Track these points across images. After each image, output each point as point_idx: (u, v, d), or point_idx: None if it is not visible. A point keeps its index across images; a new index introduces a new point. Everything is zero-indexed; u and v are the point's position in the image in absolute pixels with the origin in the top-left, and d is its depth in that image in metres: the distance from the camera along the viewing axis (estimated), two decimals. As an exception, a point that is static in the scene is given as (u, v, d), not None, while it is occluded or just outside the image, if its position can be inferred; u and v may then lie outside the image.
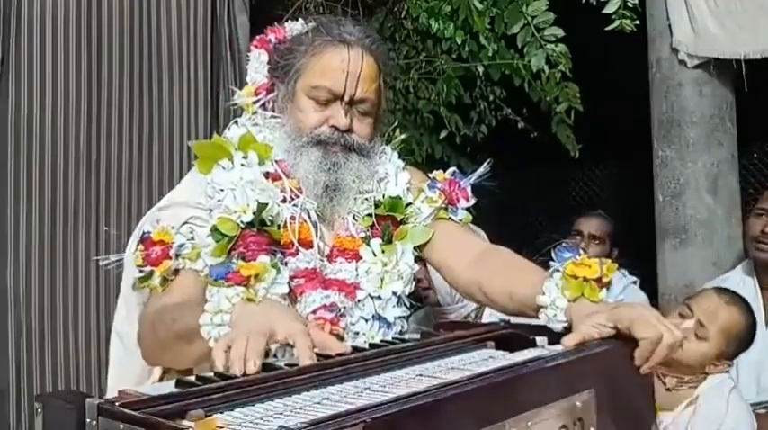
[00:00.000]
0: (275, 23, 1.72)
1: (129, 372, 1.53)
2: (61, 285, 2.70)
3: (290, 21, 1.70)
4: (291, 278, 1.51)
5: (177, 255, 1.44)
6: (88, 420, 0.95)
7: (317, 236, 1.56)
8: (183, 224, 1.50)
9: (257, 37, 1.71)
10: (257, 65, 1.67)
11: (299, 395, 1.07)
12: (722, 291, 2.36)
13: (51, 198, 2.69)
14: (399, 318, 1.59)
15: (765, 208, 2.82)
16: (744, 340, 2.27)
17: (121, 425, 0.92)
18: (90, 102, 2.78)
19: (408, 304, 1.63)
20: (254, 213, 1.46)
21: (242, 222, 1.47)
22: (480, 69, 3.73)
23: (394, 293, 1.58)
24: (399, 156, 1.73)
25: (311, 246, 1.54)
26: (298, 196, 1.56)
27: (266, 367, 1.14)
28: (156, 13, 3.00)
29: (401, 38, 4.09)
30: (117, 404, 0.95)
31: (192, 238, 1.48)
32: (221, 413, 0.98)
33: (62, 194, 2.72)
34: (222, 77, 3.21)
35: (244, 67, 3.19)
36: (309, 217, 1.56)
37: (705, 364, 2.22)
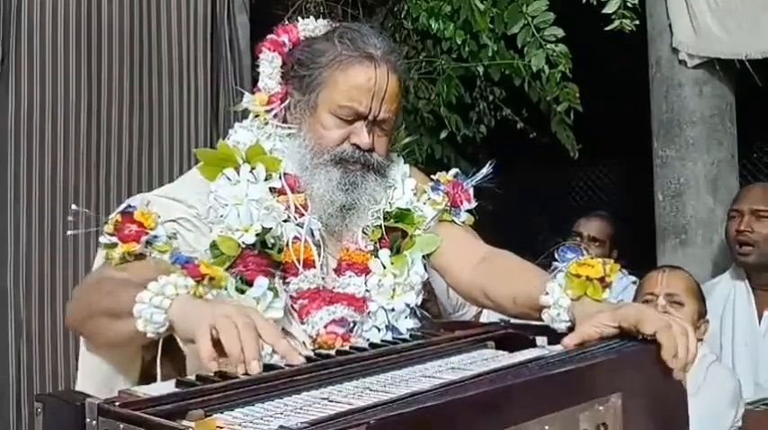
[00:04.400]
0: (280, 22, 1.68)
1: (96, 373, 1.47)
2: (61, 285, 2.70)
3: (300, 19, 1.65)
4: (295, 299, 1.51)
5: (148, 243, 1.40)
6: (88, 420, 0.95)
7: (319, 255, 1.53)
8: (171, 221, 1.48)
9: (268, 37, 1.65)
10: (270, 70, 1.61)
11: (299, 395, 1.07)
12: (659, 267, 2.59)
13: (51, 197, 2.69)
14: (411, 329, 1.57)
15: (737, 208, 2.84)
16: (702, 293, 2.49)
17: (121, 426, 0.92)
18: (90, 101, 2.78)
19: (420, 315, 1.61)
20: (257, 234, 1.45)
21: (243, 243, 1.45)
22: (480, 69, 3.72)
23: (407, 305, 1.57)
24: (404, 160, 1.72)
25: (313, 266, 1.52)
26: (302, 214, 1.53)
27: (266, 367, 1.14)
28: (156, 13, 2.99)
29: (401, 38, 4.09)
30: (117, 404, 0.95)
31: (175, 237, 1.45)
32: (221, 413, 0.98)
33: (62, 194, 2.71)
34: (222, 77, 3.21)
35: (244, 67, 3.21)
36: (313, 235, 1.54)
37: (694, 330, 2.33)
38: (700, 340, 2.43)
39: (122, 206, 1.44)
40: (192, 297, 1.24)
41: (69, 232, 1.61)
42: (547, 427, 1.04)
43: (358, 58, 1.52)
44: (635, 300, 2.52)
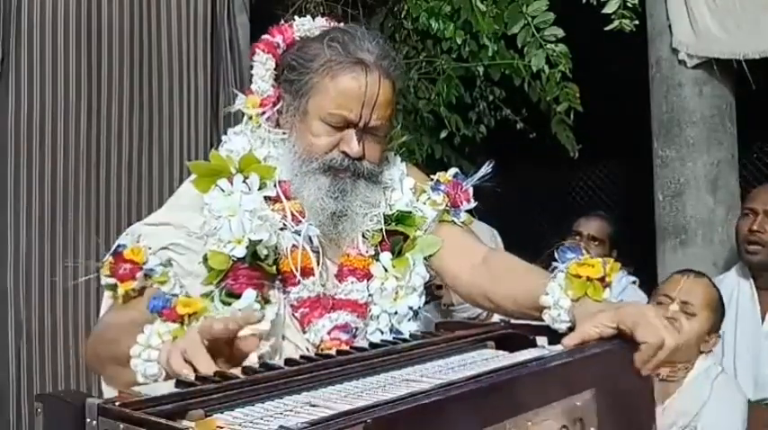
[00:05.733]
0: (280, 22, 1.66)
1: None
2: (61, 285, 2.70)
3: (296, 17, 1.63)
4: (296, 308, 1.50)
5: (146, 276, 1.42)
6: (88, 420, 0.95)
7: (318, 263, 1.52)
8: (163, 249, 1.47)
9: (263, 38, 1.62)
10: (263, 72, 1.58)
11: (300, 395, 1.07)
12: (684, 271, 2.50)
13: (51, 198, 2.69)
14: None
15: (752, 207, 2.84)
16: (721, 307, 2.42)
17: (121, 426, 0.92)
18: (90, 101, 2.79)
19: (422, 317, 1.60)
20: (246, 248, 1.43)
21: (234, 256, 1.43)
22: (480, 69, 3.73)
23: (410, 308, 1.57)
24: (401, 159, 1.70)
25: (312, 274, 1.51)
26: (300, 221, 1.52)
27: (266, 367, 1.14)
28: (156, 13, 3.00)
29: (401, 38, 4.09)
30: (117, 404, 0.95)
31: (170, 264, 1.45)
32: (221, 413, 0.98)
33: (62, 194, 2.72)
34: (222, 78, 3.21)
35: (244, 67, 3.20)
36: (311, 242, 1.52)
37: (700, 343, 2.32)
38: (709, 352, 2.37)
39: (114, 246, 1.45)
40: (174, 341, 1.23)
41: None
42: (529, 424, 1.05)
43: (348, 64, 1.49)
44: (651, 296, 2.48)
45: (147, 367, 1.22)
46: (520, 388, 1.10)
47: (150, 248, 1.44)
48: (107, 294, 1.48)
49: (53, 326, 2.68)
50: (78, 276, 2.69)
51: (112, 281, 1.42)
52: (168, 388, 1.05)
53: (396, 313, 1.55)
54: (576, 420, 1.14)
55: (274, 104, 1.57)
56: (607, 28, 3.26)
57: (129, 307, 1.41)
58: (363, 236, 1.58)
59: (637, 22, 3.26)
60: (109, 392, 1.45)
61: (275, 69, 1.59)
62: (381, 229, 1.58)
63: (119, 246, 1.44)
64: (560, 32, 3.34)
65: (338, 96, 1.49)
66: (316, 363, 1.16)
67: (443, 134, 4.03)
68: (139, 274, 1.41)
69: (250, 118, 1.58)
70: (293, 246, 1.50)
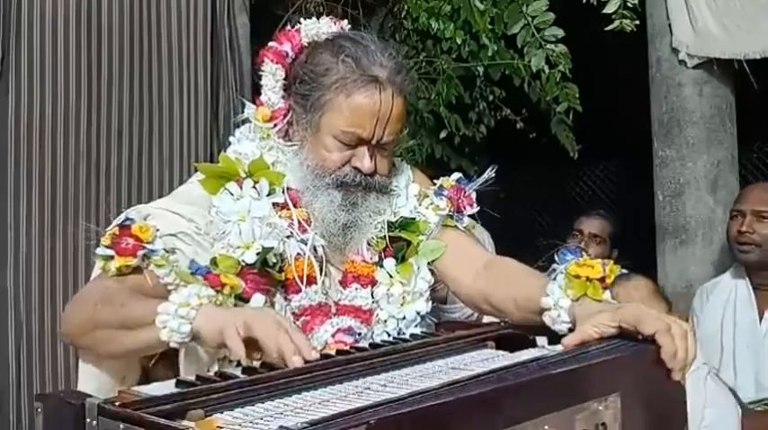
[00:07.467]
0: (281, 23, 1.63)
1: (94, 383, 1.45)
2: (61, 285, 2.70)
3: (303, 21, 1.60)
4: (297, 316, 1.50)
5: (146, 256, 1.40)
6: (88, 420, 0.95)
7: (321, 271, 1.52)
8: (171, 235, 1.46)
9: (270, 45, 1.59)
10: (273, 83, 1.56)
11: (299, 395, 1.07)
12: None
13: (51, 198, 2.69)
14: None
15: (739, 209, 2.84)
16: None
17: (121, 425, 0.92)
18: (90, 101, 2.78)
19: (429, 321, 1.60)
20: (257, 254, 1.43)
21: (243, 261, 1.43)
22: (480, 69, 3.73)
23: (418, 313, 1.57)
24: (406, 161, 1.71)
25: (314, 283, 1.51)
26: (305, 230, 1.52)
27: (266, 367, 1.14)
28: (156, 13, 2.99)
29: (401, 38, 4.08)
30: (117, 404, 0.95)
31: (174, 251, 1.44)
32: (221, 413, 0.98)
33: (62, 194, 2.71)
34: (222, 78, 3.20)
35: (244, 67, 3.20)
36: (316, 252, 1.52)
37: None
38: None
39: (121, 218, 1.43)
40: (214, 306, 1.28)
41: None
42: (546, 427, 1.04)
43: (362, 82, 1.48)
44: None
45: (182, 324, 1.24)
46: (537, 390, 1.09)
47: (158, 230, 1.43)
48: (98, 265, 1.45)
49: (53, 326, 2.67)
50: (78, 275, 2.71)
51: (110, 252, 1.39)
52: (168, 388, 1.05)
53: (404, 318, 1.56)
54: (597, 425, 1.13)
55: (284, 116, 1.56)
56: (607, 28, 3.26)
57: (122, 280, 1.39)
58: (368, 243, 1.58)
59: (637, 22, 3.26)
60: (84, 374, 1.45)
61: (285, 80, 1.57)
62: (385, 236, 1.58)
63: (126, 218, 1.42)
64: (560, 32, 3.34)
65: (352, 115, 1.48)
66: (316, 363, 1.16)
67: (443, 134, 4.02)
68: (140, 253, 1.39)
69: (262, 132, 1.57)
70: (297, 254, 1.50)
